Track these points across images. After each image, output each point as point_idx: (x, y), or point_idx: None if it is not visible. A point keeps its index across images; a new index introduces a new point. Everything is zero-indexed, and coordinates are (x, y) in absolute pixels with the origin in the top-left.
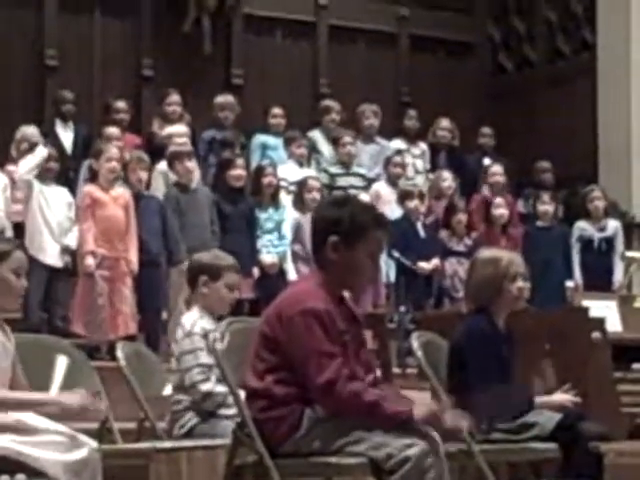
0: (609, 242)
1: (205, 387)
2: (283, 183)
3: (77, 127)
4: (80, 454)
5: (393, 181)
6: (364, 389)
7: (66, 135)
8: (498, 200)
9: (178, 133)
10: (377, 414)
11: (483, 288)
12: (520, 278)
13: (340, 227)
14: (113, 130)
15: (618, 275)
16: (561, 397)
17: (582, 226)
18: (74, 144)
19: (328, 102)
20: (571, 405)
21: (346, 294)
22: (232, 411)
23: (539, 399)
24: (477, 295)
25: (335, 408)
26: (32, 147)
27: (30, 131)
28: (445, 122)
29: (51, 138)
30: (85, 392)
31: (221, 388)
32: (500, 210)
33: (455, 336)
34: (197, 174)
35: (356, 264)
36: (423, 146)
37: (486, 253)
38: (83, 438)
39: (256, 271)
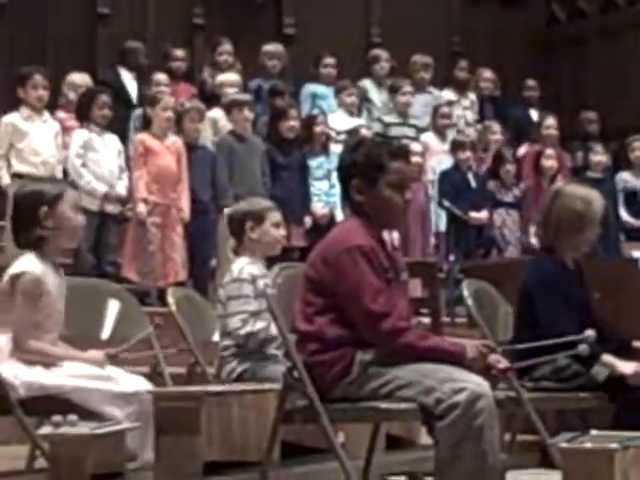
0: None
1: (244, 331)
2: (333, 132)
3: (141, 76)
4: (130, 390)
5: (440, 131)
6: (411, 326)
7: (132, 84)
8: (549, 151)
9: (229, 82)
10: (427, 350)
11: (567, 223)
12: (597, 223)
13: (358, 168)
14: (162, 77)
15: None
16: (629, 366)
17: (625, 177)
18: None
19: (377, 51)
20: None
21: (386, 237)
22: (277, 349)
23: (606, 358)
24: (557, 229)
25: (385, 340)
26: (92, 94)
27: (79, 78)
28: (488, 73)
29: (113, 86)
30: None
31: (261, 324)
32: (550, 161)
33: (525, 277)
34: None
35: (382, 199)
36: (473, 97)
37: (577, 189)
38: (135, 380)
39: (308, 220)
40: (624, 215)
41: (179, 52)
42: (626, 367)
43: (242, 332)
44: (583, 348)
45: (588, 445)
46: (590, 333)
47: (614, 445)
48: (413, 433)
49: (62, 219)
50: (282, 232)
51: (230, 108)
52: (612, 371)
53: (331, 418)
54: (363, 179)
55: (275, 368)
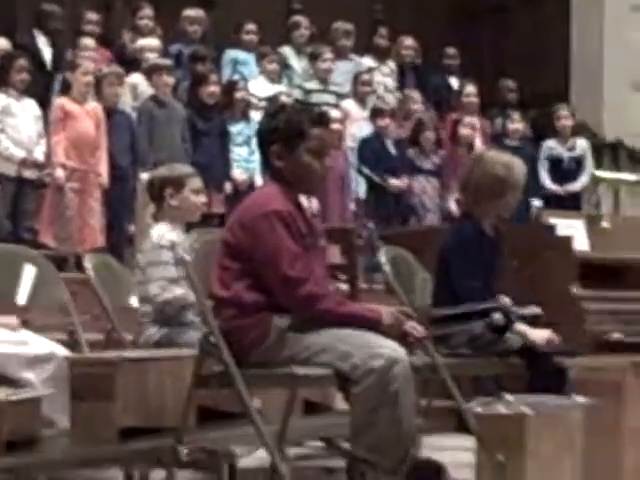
0: (578, 162)
1: (162, 297)
2: (254, 99)
3: (56, 40)
4: (45, 352)
5: (361, 99)
6: (328, 291)
7: (47, 49)
8: (467, 119)
9: (150, 47)
10: (344, 315)
11: (488, 187)
12: (519, 189)
13: (278, 134)
14: (89, 42)
15: (581, 183)
16: (540, 335)
17: (551, 145)
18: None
19: (298, 17)
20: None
21: (305, 203)
22: (195, 315)
23: (519, 327)
24: (478, 194)
25: (302, 305)
26: (10, 58)
27: None
28: (408, 41)
29: (29, 50)
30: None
31: (179, 290)
32: (468, 129)
33: (443, 243)
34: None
35: (302, 165)
36: (392, 65)
37: (499, 154)
38: (51, 345)
39: (228, 186)
40: (547, 182)
41: (92, 15)
42: (537, 335)
43: (160, 299)
44: (497, 317)
45: (501, 410)
46: (505, 300)
47: (526, 410)
48: (329, 399)
49: None
50: (202, 199)
51: (150, 73)
52: (524, 339)
53: (247, 383)
54: (283, 145)
55: (193, 334)
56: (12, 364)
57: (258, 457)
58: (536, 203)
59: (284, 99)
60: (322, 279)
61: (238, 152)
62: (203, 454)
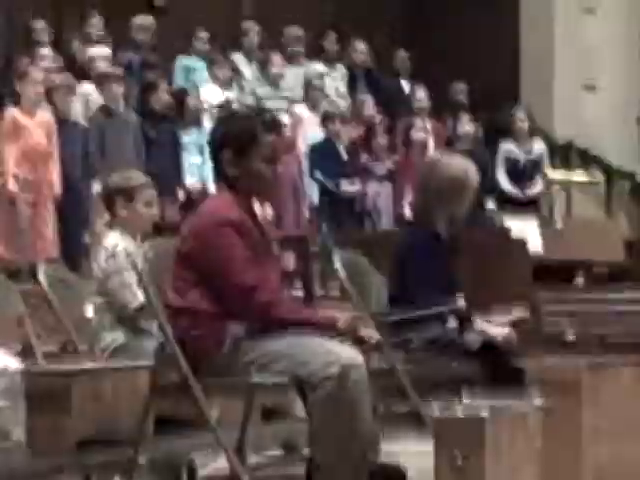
0: (535, 164)
1: (137, 303)
2: (206, 106)
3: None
4: None
5: (313, 104)
6: (283, 298)
7: None
8: (418, 123)
9: (100, 56)
10: (299, 322)
11: (447, 190)
12: (474, 191)
13: (230, 141)
14: (44, 51)
15: (539, 185)
16: (499, 331)
17: (508, 147)
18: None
19: (247, 23)
20: (503, 341)
21: (258, 210)
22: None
23: (479, 325)
24: (437, 197)
25: (257, 313)
26: None
27: None
28: (360, 45)
29: None
30: None
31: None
32: (420, 133)
33: (397, 247)
34: None
35: (254, 172)
36: (343, 69)
37: (454, 158)
38: (3, 358)
39: (181, 194)
40: (506, 185)
41: (39, 24)
42: (496, 331)
43: (135, 305)
44: (450, 326)
45: (459, 414)
46: (460, 303)
47: (484, 414)
48: (288, 405)
49: None
50: (153, 211)
51: (100, 82)
52: (484, 336)
53: (204, 392)
54: (234, 152)
55: (149, 344)
56: None
57: (218, 466)
58: (491, 205)
59: (235, 106)
60: (276, 287)
61: (191, 160)
62: (162, 463)
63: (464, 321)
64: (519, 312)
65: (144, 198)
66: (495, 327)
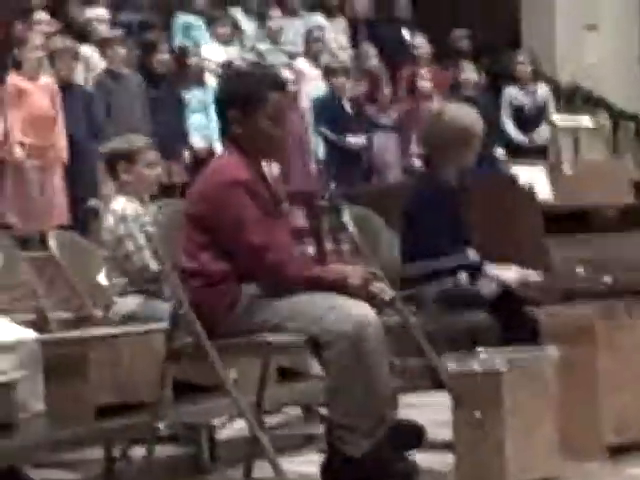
0: (540, 109)
1: (154, 266)
2: (208, 64)
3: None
4: (12, 340)
5: (314, 57)
6: (295, 256)
7: None
8: (422, 72)
9: (98, 18)
10: (311, 280)
11: (453, 137)
12: (480, 139)
13: (236, 101)
14: (43, 16)
15: (545, 131)
16: (512, 275)
17: (512, 93)
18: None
19: None
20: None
21: (265, 168)
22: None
23: (490, 270)
24: (443, 145)
25: (268, 273)
26: None
27: None
28: None
29: None
30: None
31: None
32: (425, 82)
33: (406, 200)
34: None
35: (261, 131)
36: (343, 21)
37: (459, 106)
38: (19, 329)
39: (187, 155)
40: (512, 132)
41: None
42: (509, 275)
43: (154, 267)
44: (461, 277)
45: (475, 367)
46: (473, 257)
47: (501, 367)
48: (304, 364)
49: None
50: (156, 172)
51: (102, 45)
52: (497, 281)
53: (219, 354)
54: (241, 111)
55: (163, 307)
56: None
57: (237, 428)
58: (499, 153)
59: (238, 63)
60: (287, 245)
61: (195, 119)
62: (182, 428)
63: (475, 271)
64: (533, 277)
65: (146, 160)
66: (508, 271)
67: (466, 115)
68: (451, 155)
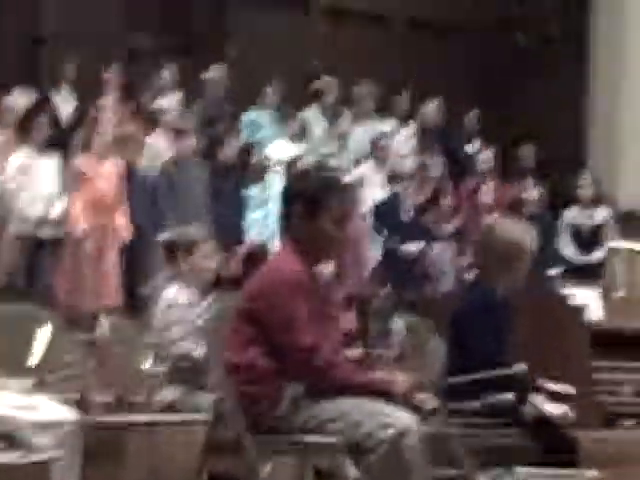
0: (598, 231)
1: (197, 353)
2: (271, 162)
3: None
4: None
5: (379, 163)
6: (342, 360)
7: (64, 106)
8: (485, 187)
9: (170, 106)
10: (356, 385)
11: (502, 255)
12: (530, 258)
13: (303, 199)
14: (107, 101)
15: (603, 252)
16: (556, 408)
17: (571, 214)
18: (72, 114)
19: (323, 81)
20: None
21: (325, 269)
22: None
23: (535, 399)
24: (492, 261)
25: (315, 375)
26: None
27: (14, 100)
28: (433, 103)
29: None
30: None
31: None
32: (486, 196)
33: (457, 308)
34: None
35: (323, 233)
36: (413, 127)
37: (511, 223)
38: (61, 409)
39: (243, 249)
40: (567, 251)
41: (109, 74)
42: (553, 408)
43: (196, 354)
44: (507, 396)
45: None
46: (522, 367)
47: None
48: (341, 467)
49: None
50: (212, 264)
51: (172, 134)
52: (539, 411)
53: (259, 451)
54: (306, 211)
55: (205, 398)
56: (23, 429)
57: None
58: (553, 272)
59: (305, 162)
60: (336, 349)
61: (254, 215)
62: None
63: (521, 392)
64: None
65: (202, 251)
66: (551, 403)
67: (517, 231)
68: (500, 269)
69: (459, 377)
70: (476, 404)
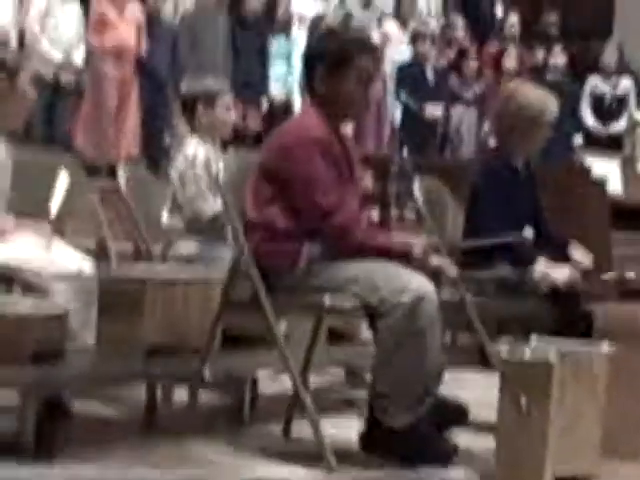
0: (620, 101)
1: (211, 212)
2: (296, 15)
3: None
4: (73, 270)
5: (403, 21)
6: (362, 221)
7: None
8: (510, 51)
9: None
10: (374, 248)
11: (520, 123)
12: (550, 126)
13: (325, 58)
14: None
15: (624, 123)
16: (561, 274)
17: (594, 82)
18: None
19: None
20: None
21: (345, 129)
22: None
23: (540, 268)
24: (510, 128)
25: (333, 236)
26: None
27: None
28: None
29: None
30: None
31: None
32: (511, 61)
33: (473, 177)
34: None
35: (345, 93)
36: None
37: (532, 90)
38: (79, 259)
39: (265, 103)
40: (590, 121)
41: None
42: (558, 275)
43: (209, 215)
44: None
45: (528, 357)
46: (527, 234)
47: (553, 359)
48: (354, 327)
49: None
50: (232, 116)
51: None
52: (544, 281)
53: (275, 310)
54: (329, 70)
55: (224, 250)
56: (41, 278)
57: (281, 385)
58: (577, 141)
59: (329, 20)
60: (355, 210)
61: (277, 68)
62: (226, 378)
63: (526, 263)
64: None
65: (223, 103)
66: (557, 270)
67: (538, 99)
68: (519, 136)
69: (467, 241)
70: (491, 275)
